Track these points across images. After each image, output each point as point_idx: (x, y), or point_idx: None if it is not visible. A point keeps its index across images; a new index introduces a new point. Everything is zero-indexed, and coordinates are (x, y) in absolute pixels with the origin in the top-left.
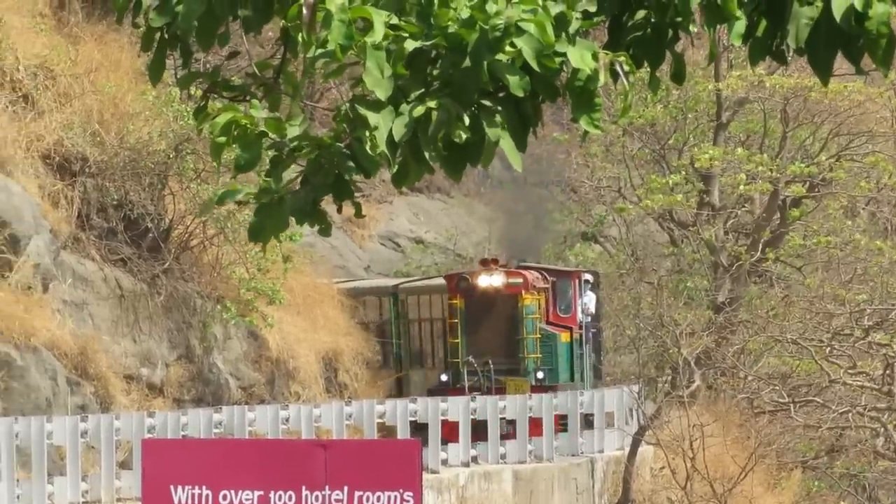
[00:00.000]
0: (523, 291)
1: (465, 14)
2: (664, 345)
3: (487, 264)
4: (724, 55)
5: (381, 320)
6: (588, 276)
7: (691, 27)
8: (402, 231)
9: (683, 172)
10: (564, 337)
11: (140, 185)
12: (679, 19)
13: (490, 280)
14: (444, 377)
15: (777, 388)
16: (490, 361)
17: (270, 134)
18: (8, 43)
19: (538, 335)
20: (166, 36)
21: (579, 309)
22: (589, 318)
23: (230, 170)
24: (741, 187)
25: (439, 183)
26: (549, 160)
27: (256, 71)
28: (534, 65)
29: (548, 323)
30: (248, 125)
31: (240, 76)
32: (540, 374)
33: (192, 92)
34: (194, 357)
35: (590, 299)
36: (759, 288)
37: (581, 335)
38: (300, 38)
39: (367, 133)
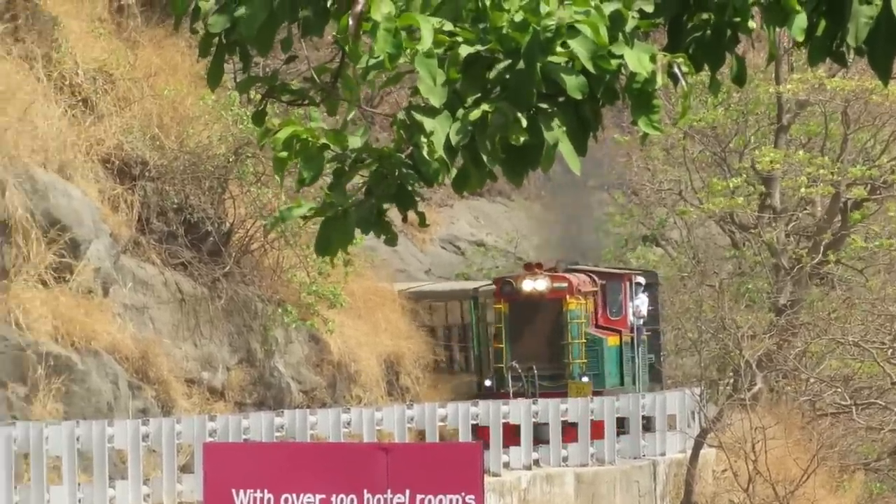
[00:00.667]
0: (568, 296)
1: (519, 17)
2: (726, 347)
3: (531, 268)
4: (785, 58)
5: (452, 323)
6: (640, 279)
7: (751, 25)
8: (462, 234)
9: (744, 175)
10: (612, 341)
11: (200, 189)
12: (738, 19)
13: (534, 284)
14: (487, 382)
15: (839, 390)
16: (534, 367)
17: (332, 146)
18: (67, 47)
19: (583, 340)
20: (224, 41)
21: (630, 311)
22: (641, 321)
23: (293, 179)
24: (802, 190)
25: (500, 186)
26: (609, 163)
27: (315, 76)
28: (589, 66)
29: (596, 326)
30: (310, 139)
31: (298, 80)
32: (585, 380)
33: (251, 96)
34: (255, 361)
35: (642, 301)
36: (820, 290)
37: (633, 338)
38: (348, 50)
39: (425, 139)
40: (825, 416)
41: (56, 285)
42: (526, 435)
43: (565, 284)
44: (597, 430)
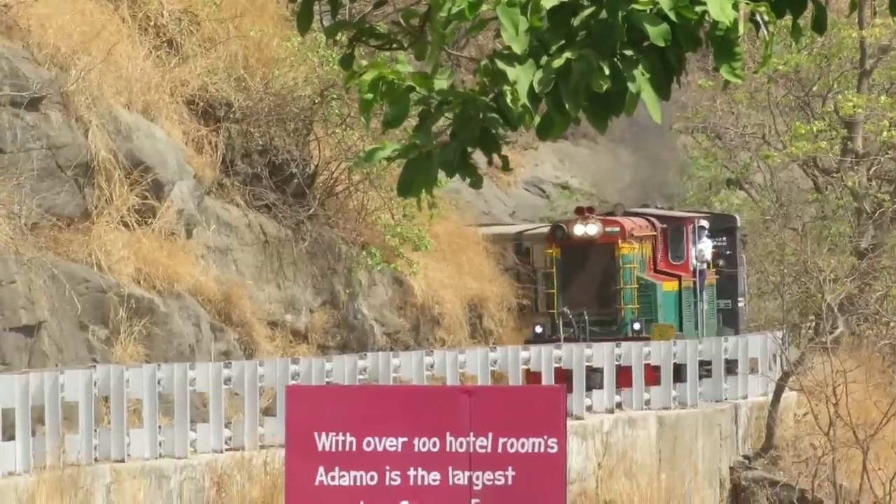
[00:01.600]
0: (620, 240)
1: None
2: (808, 291)
3: (583, 213)
4: (868, 2)
5: (537, 266)
6: (704, 222)
7: None
8: (546, 177)
9: (827, 119)
10: (669, 286)
11: (285, 131)
12: None
13: (585, 229)
14: (538, 329)
15: None
16: (585, 312)
17: (418, 88)
18: None
19: (636, 285)
20: None
21: (693, 256)
22: (705, 265)
23: (379, 121)
24: (884, 134)
25: (584, 129)
26: (693, 107)
27: (402, 20)
28: (671, 15)
29: (655, 271)
30: (396, 80)
31: (386, 24)
32: (636, 326)
33: (339, 39)
34: (339, 303)
35: (706, 246)
36: None
37: (695, 283)
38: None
39: (508, 87)
40: None
41: (139, 227)
42: (609, 378)
43: (617, 229)
44: (650, 376)
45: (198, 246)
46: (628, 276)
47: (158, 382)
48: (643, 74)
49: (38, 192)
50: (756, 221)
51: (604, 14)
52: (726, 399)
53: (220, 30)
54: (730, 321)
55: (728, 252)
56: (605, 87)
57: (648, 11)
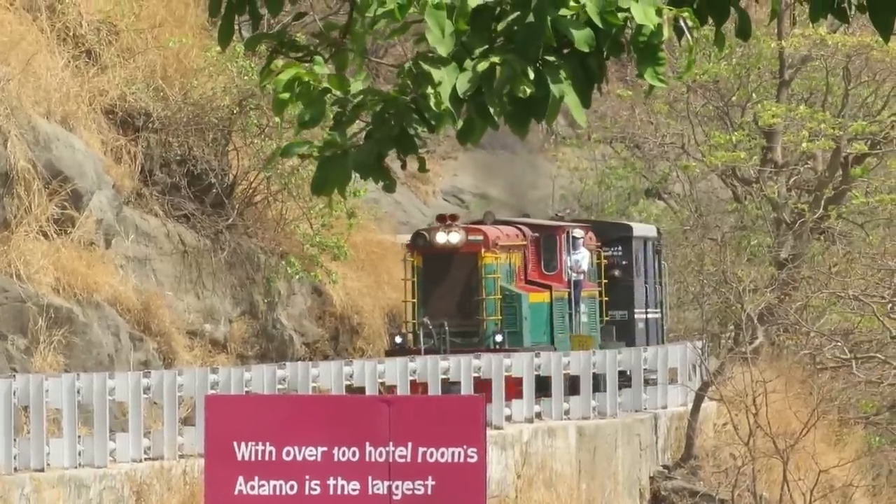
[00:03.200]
0: (483, 249)
1: None
2: (727, 301)
3: (445, 220)
4: (787, 13)
5: None
6: (578, 232)
7: None
8: (465, 186)
9: (746, 129)
10: (537, 297)
11: (204, 141)
12: None
13: (447, 237)
14: (398, 339)
15: (839, 344)
16: (445, 323)
17: (334, 90)
18: None
19: (499, 296)
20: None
21: (566, 266)
22: (581, 276)
23: (294, 126)
24: (804, 144)
25: (503, 139)
26: (613, 117)
27: (323, 30)
28: (597, 21)
29: (527, 282)
30: (312, 82)
31: (306, 36)
32: (498, 338)
33: (258, 50)
34: (258, 313)
35: (582, 256)
36: (821, 244)
37: (570, 294)
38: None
39: (432, 90)
40: (825, 370)
41: (58, 237)
42: (528, 388)
43: (481, 237)
44: (510, 388)
45: (117, 256)
46: (491, 286)
47: (78, 392)
48: (566, 80)
49: None
50: (675, 231)
51: (530, 18)
52: (646, 409)
53: (139, 40)
54: (625, 334)
55: (624, 262)
56: (528, 93)
57: (574, 17)
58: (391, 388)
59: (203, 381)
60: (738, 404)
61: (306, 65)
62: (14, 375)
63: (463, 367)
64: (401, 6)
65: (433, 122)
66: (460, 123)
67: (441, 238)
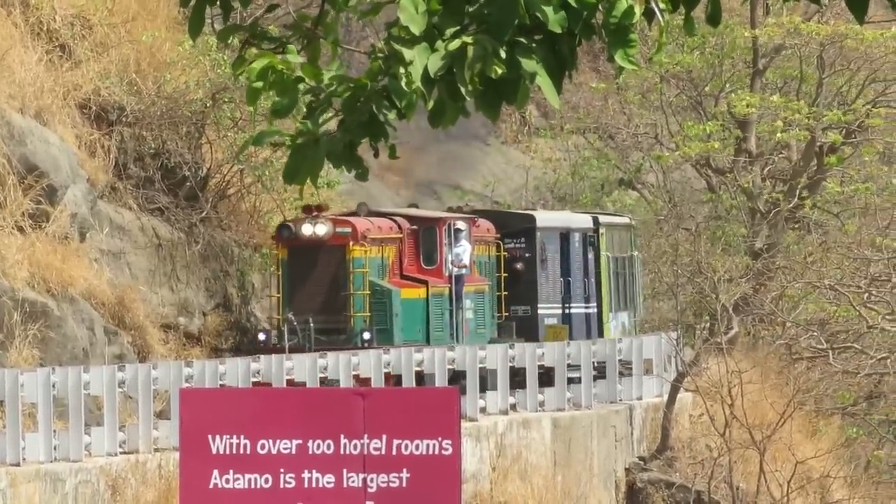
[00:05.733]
0: (352, 242)
1: None
2: (702, 291)
3: (311, 211)
4: (761, 1)
5: None
6: (461, 224)
7: None
8: (438, 178)
9: (720, 119)
10: (410, 293)
11: (177, 134)
12: None
13: (314, 229)
14: (261, 336)
15: (815, 334)
16: (311, 320)
17: (307, 79)
18: None
19: (368, 291)
20: None
21: (447, 260)
22: (463, 271)
23: (267, 117)
24: (778, 134)
25: (475, 130)
26: (586, 108)
27: (297, 21)
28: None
29: (403, 277)
30: (285, 70)
31: (279, 28)
32: (366, 335)
33: (231, 42)
34: (232, 306)
35: (464, 249)
36: (796, 234)
37: (450, 289)
38: None
39: (403, 70)
40: (802, 361)
41: (32, 231)
42: (502, 380)
43: (349, 230)
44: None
45: (91, 250)
46: (360, 281)
47: (53, 386)
48: (537, 62)
49: None
50: (649, 222)
51: None
52: (621, 400)
53: (113, 34)
54: (528, 330)
55: (527, 255)
56: (499, 73)
57: None
58: (365, 381)
59: (177, 374)
60: (714, 395)
61: (280, 55)
62: None
63: (437, 359)
64: None
65: (403, 108)
66: (431, 104)
67: (307, 230)
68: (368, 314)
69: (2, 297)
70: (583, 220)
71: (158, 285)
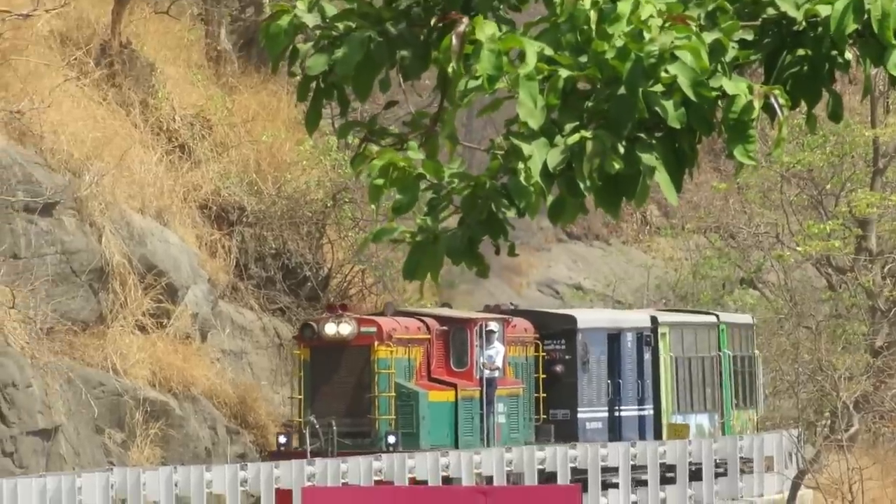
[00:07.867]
0: (377, 342)
1: (620, 43)
2: (823, 389)
3: (335, 310)
4: (881, 101)
5: None
6: (494, 325)
7: (847, 57)
8: (560, 278)
9: (841, 218)
10: (438, 396)
11: (298, 234)
12: (835, 53)
13: (337, 328)
14: (282, 439)
15: None
16: (333, 423)
17: (428, 176)
18: (164, 93)
19: (393, 393)
20: (322, 85)
21: (478, 362)
22: (496, 373)
23: (387, 215)
24: None
25: (598, 230)
26: (707, 207)
27: (416, 118)
28: (689, 93)
29: (430, 379)
30: (406, 167)
31: (397, 125)
32: (391, 439)
33: (350, 140)
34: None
35: (496, 351)
36: None
37: (481, 392)
38: (450, 70)
39: (522, 165)
40: None
41: (153, 331)
42: (624, 478)
43: (374, 329)
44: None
45: (212, 349)
46: (385, 382)
47: (175, 485)
48: (657, 158)
49: (53, 297)
50: (770, 320)
51: (622, 91)
52: (742, 497)
53: (233, 134)
54: (567, 433)
55: (567, 357)
56: (617, 168)
57: (665, 91)
58: (488, 479)
59: (300, 473)
60: (835, 492)
61: (400, 151)
62: (111, 469)
63: (559, 457)
64: (490, 77)
65: (523, 207)
66: (550, 199)
67: (330, 329)
68: (393, 417)
69: (123, 396)
70: (637, 319)
71: (280, 385)
